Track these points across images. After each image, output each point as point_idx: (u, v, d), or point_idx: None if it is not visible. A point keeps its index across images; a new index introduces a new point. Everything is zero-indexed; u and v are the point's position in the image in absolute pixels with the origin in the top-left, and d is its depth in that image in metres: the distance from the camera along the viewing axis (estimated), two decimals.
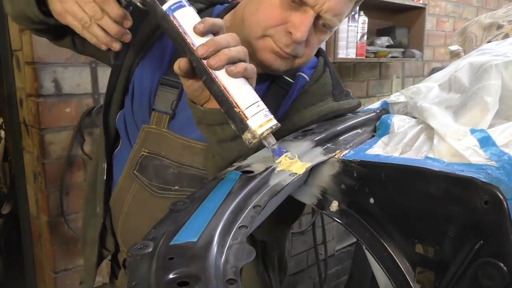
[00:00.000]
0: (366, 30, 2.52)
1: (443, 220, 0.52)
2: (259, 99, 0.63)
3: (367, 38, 2.59)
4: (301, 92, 0.88)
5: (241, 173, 0.58)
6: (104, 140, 0.94)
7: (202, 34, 0.62)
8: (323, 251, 2.74)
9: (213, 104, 0.66)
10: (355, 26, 2.45)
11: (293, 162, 0.62)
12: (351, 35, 2.44)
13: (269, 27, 0.77)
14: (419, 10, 2.88)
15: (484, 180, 0.49)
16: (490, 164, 0.53)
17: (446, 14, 3.48)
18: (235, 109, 0.61)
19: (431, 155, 0.61)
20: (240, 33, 0.79)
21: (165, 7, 0.63)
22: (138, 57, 0.89)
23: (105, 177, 0.95)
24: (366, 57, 2.59)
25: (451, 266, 0.52)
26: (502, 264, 0.48)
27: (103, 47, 0.72)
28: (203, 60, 0.62)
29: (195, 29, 0.62)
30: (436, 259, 0.54)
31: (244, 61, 0.63)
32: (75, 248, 1.78)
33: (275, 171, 0.59)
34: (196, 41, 0.62)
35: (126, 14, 0.70)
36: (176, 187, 0.86)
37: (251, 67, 0.64)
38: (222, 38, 0.62)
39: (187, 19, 0.63)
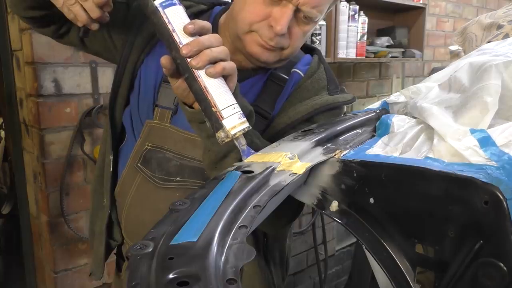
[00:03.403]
0: (366, 30, 2.52)
1: (443, 220, 0.52)
2: (235, 101, 0.67)
3: (367, 38, 2.59)
4: (296, 87, 0.91)
5: (241, 173, 0.58)
6: (110, 134, 0.97)
7: (192, 34, 0.66)
8: (323, 251, 2.74)
9: None
10: (355, 26, 2.45)
11: (293, 162, 0.62)
12: (351, 35, 2.44)
13: (254, 22, 0.81)
14: (419, 10, 2.88)
15: (484, 180, 0.49)
16: (490, 164, 0.53)
17: (446, 14, 3.48)
18: (213, 108, 0.65)
19: (431, 155, 0.61)
20: (231, 30, 0.85)
21: (156, 2, 0.66)
22: (143, 53, 0.92)
23: (111, 169, 0.98)
24: (366, 57, 2.59)
25: (451, 266, 0.52)
26: (502, 264, 0.48)
27: (79, 24, 0.77)
28: (187, 59, 0.65)
29: (185, 29, 0.65)
30: (436, 259, 0.54)
31: (224, 60, 0.67)
32: (75, 248, 1.78)
33: (275, 171, 0.59)
34: (183, 39, 0.66)
35: (109, 0, 0.75)
36: (178, 178, 0.89)
37: (230, 65, 0.67)
38: (206, 38, 0.66)
39: (176, 18, 0.66)
